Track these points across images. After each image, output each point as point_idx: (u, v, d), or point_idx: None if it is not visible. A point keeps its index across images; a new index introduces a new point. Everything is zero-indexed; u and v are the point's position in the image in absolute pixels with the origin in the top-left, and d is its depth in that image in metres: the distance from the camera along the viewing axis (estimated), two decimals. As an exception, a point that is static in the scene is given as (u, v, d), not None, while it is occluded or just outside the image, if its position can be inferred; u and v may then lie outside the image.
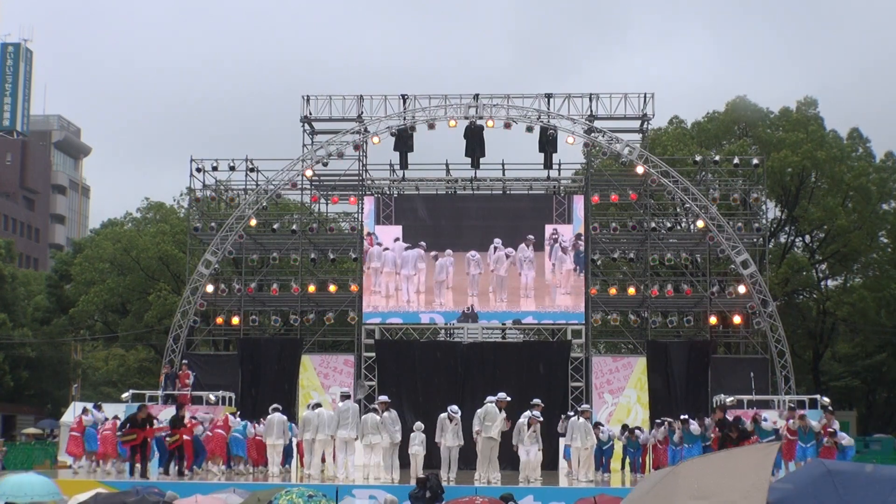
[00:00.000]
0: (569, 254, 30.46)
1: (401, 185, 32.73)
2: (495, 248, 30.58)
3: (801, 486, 8.31)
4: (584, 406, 24.14)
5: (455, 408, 21.55)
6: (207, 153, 50.47)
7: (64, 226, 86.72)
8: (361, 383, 30.30)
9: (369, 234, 31.08)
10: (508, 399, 21.13)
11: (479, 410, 20.85)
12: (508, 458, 22.62)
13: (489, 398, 21.12)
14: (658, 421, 25.07)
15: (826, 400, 25.81)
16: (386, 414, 21.06)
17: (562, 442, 24.62)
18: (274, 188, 31.58)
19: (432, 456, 25.78)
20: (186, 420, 22.32)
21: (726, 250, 29.85)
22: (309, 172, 31.45)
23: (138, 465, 21.36)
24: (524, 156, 45.47)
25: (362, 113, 31.56)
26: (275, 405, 23.97)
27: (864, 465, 8.63)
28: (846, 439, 21.01)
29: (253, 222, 31.20)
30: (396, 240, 30.94)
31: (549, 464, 24.70)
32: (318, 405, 22.52)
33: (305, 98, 32.04)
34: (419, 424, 22.17)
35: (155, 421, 22.03)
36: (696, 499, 6.46)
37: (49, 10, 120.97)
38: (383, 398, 21.81)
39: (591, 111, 31.23)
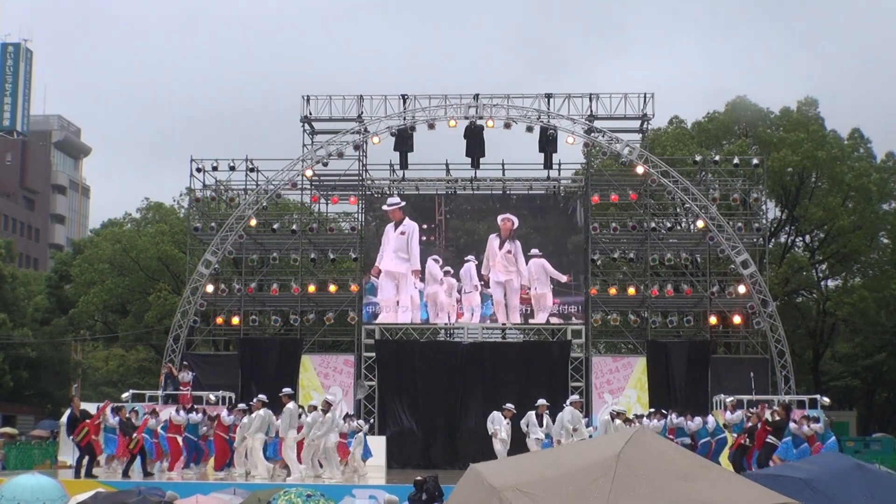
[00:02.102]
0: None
1: (401, 185, 32.71)
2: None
3: (829, 471, 8.39)
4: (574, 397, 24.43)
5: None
6: (207, 153, 50.26)
7: (64, 226, 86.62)
8: (361, 383, 30.31)
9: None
10: (548, 405, 22.65)
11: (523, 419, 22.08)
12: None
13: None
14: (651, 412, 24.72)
15: (826, 400, 25.78)
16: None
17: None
18: (274, 188, 31.58)
19: (429, 459, 25.82)
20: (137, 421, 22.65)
21: (726, 250, 29.84)
22: (309, 172, 31.45)
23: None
24: (524, 156, 45.36)
25: (362, 113, 31.55)
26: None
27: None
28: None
29: (253, 222, 31.18)
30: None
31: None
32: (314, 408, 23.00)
33: (305, 98, 32.04)
34: (361, 423, 24.22)
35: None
36: (683, 479, 6.31)
37: (49, 10, 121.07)
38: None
39: (591, 111, 31.23)
